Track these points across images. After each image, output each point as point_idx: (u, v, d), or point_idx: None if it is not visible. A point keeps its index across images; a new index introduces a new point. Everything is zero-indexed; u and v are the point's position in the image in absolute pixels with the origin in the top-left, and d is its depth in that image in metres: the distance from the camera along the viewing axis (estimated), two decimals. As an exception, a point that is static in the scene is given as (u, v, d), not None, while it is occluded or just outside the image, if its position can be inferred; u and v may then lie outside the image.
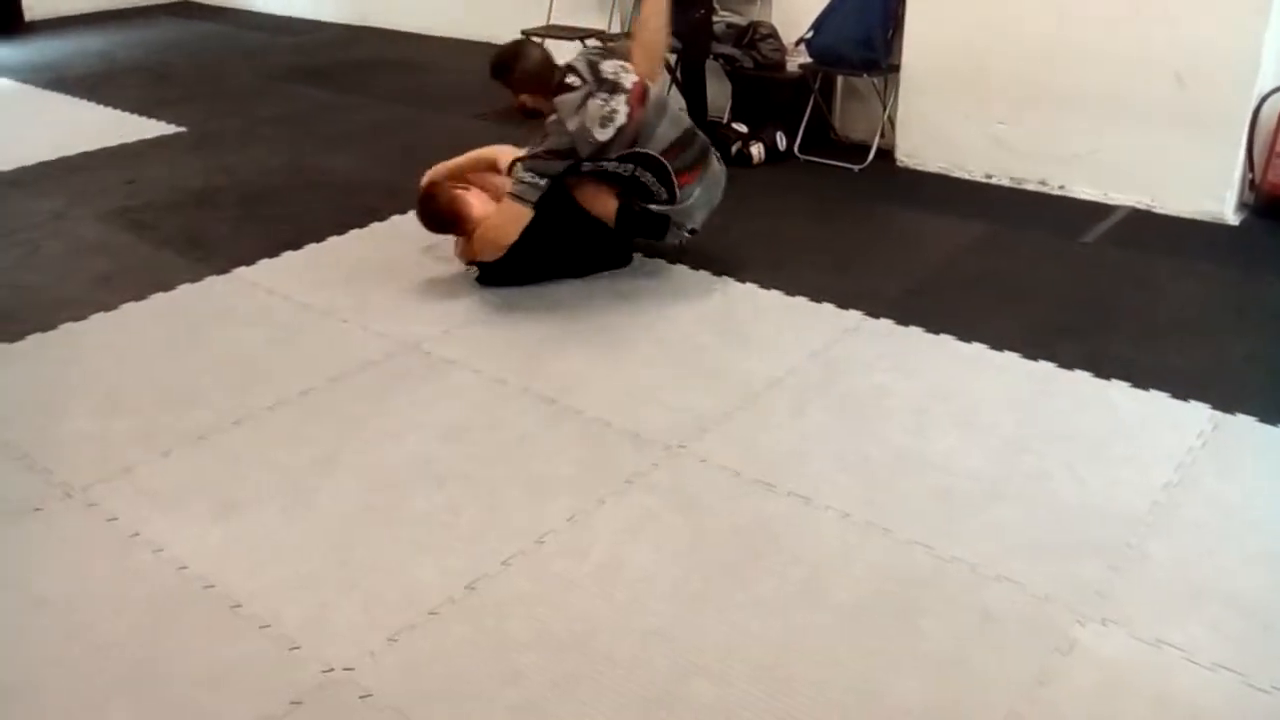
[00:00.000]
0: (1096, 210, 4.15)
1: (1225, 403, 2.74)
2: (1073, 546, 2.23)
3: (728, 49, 5.02)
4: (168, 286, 3.65)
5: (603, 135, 3.24)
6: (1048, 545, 2.24)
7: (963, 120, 4.48)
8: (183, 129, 5.59)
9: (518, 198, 3.31)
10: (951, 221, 4.07)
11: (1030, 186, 4.39)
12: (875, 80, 4.69)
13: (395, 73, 6.81)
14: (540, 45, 3.56)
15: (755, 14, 5.16)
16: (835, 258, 3.72)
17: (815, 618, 2.06)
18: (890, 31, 4.61)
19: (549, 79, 3.39)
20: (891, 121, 4.75)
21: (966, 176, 4.55)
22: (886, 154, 4.77)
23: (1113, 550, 2.21)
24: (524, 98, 3.46)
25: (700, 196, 3.44)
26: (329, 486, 2.53)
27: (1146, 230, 3.95)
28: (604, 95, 3.28)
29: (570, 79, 3.34)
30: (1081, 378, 2.90)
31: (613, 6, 5.69)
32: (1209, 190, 3.96)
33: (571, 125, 3.22)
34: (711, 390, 2.91)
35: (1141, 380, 2.86)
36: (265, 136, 5.45)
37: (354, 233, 4.12)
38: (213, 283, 3.70)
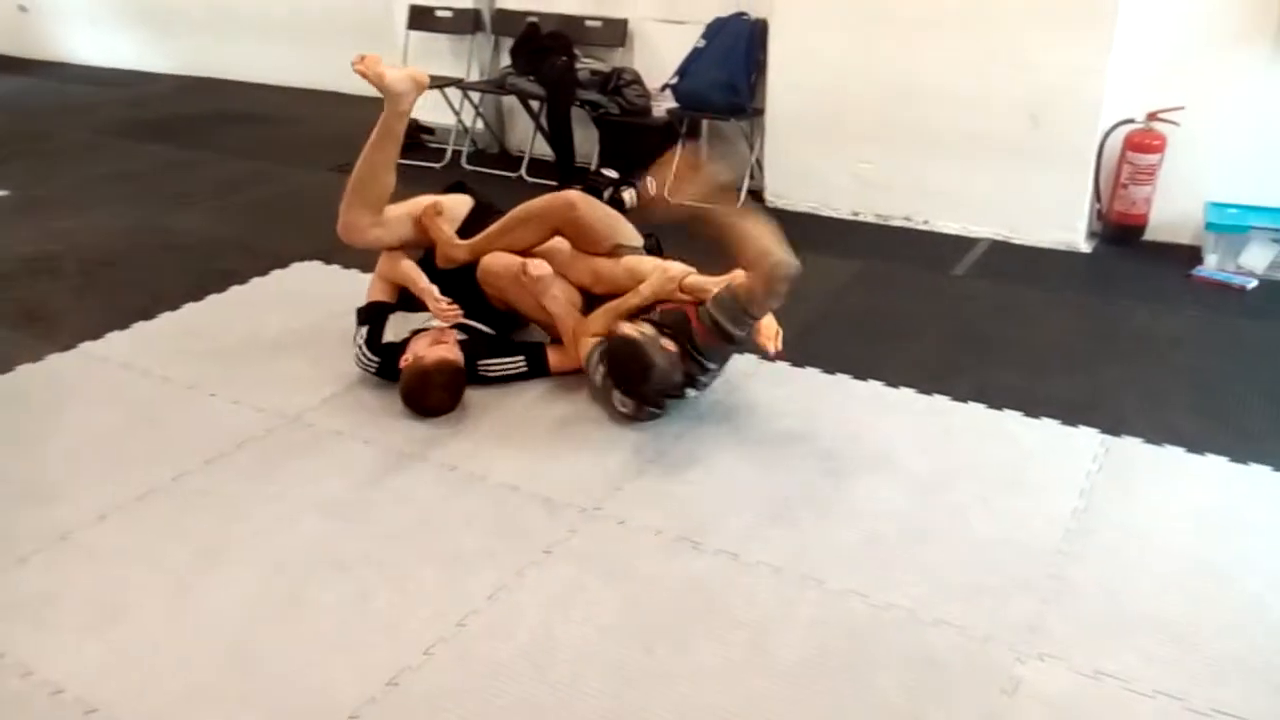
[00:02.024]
0: (960, 243, 4.30)
1: (1111, 426, 2.84)
2: (1001, 583, 2.24)
3: (593, 95, 5.01)
4: (5, 367, 3.31)
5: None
6: (977, 584, 2.25)
7: (828, 161, 4.59)
8: (5, 192, 5.15)
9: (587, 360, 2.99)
10: (828, 260, 4.13)
11: (896, 222, 4.52)
12: (743, 124, 4.75)
13: (241, 125, 6.51)
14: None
15: (617, 60, 5.17)
16: (721, 301, 3.71)
17: (764, 682, 2.00)
18: (753, 76, 4.69)
19: None
20: (759, 164, 4.82)
21: (834, 215, 4.65)
22: (756, 195, 4.83)
23: (1039, 584, 2.24)
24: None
25: None
26: (218, 582, 2.31)
27: (1009, 261, 4.12)
28: None
29: None
30: (977, 410, 2.96)
31: (471, 54, 5.59)
32: (1062, 221, 4.17)
33: None
34: (616, 447, 2.82)
35: (1032, 409, 2.95)
36: (103, 197, 5.08)
37: (212, 298, 3.86)
38: (57, 361, 3.38)
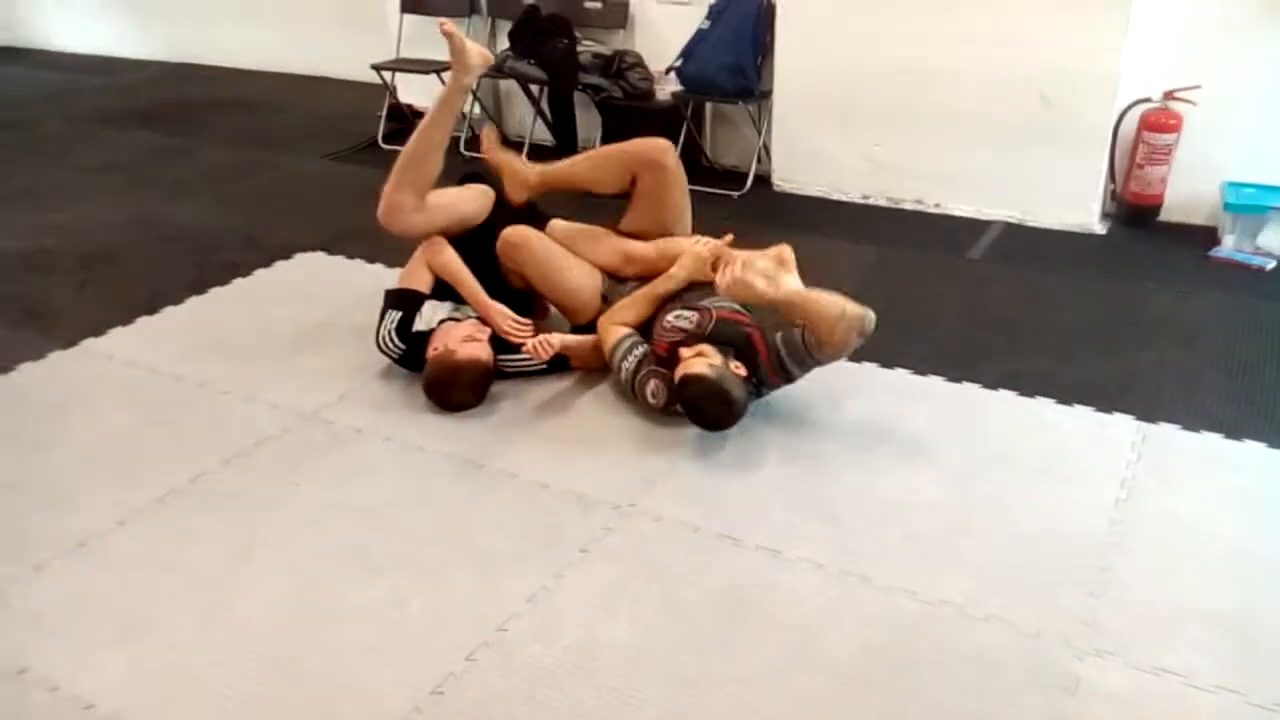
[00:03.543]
0: (974, 226, 4.25)
1: (1146, 413, 2.80)
2: (1048, 576, 2.21)
3: (595, 79, 4.92)
4: (6, 367, 3.22)
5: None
6: (1024, 577, 2.21)
7: (837, 143, 4.53)
8: (-8, 184, 5.03)
9: (614, 351, 2.90)
10: (841, 245, 4.08)
11: (908, 206, 4.47)
12: (750, 107, 4.68)
13: (231, 113, 6.37)
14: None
15: (619, 43, 5.08)
16: (737, 289, 3.64)
17: (814, 682, 1.95)
18: (760, 58, 4.61)
19: None
20: (766, 148, 4.75)
21: (845, 199, 4.59)
22: (763, 179, 4.77)
23: (1087, 576, 2.20)
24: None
25: None
26: (248, 588, 2.25)
27: (1024, 244, 4.08)
28: None
29: None
30: (1007, 397, 2.92)
31: (467, 37, 5.47)
32: (1077, 202, 4.13)
33: None
34: (647, 441, 2.76)
35: (1064, 396, 2.91)
36: (94, 188, 4.96)
37: (216, 291, 3.77)
38: (60, 359, 3.29)
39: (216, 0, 7.36)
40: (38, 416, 2.96)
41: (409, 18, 5.65)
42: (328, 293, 3.72)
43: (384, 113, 5.58)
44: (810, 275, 3.60)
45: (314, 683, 1.98)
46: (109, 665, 2.04)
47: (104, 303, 3.67)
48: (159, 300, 3.67)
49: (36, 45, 8.45)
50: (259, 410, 2.95)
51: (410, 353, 3.01)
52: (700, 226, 3.32)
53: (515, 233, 3.05)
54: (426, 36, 5.62)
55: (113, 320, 3.52)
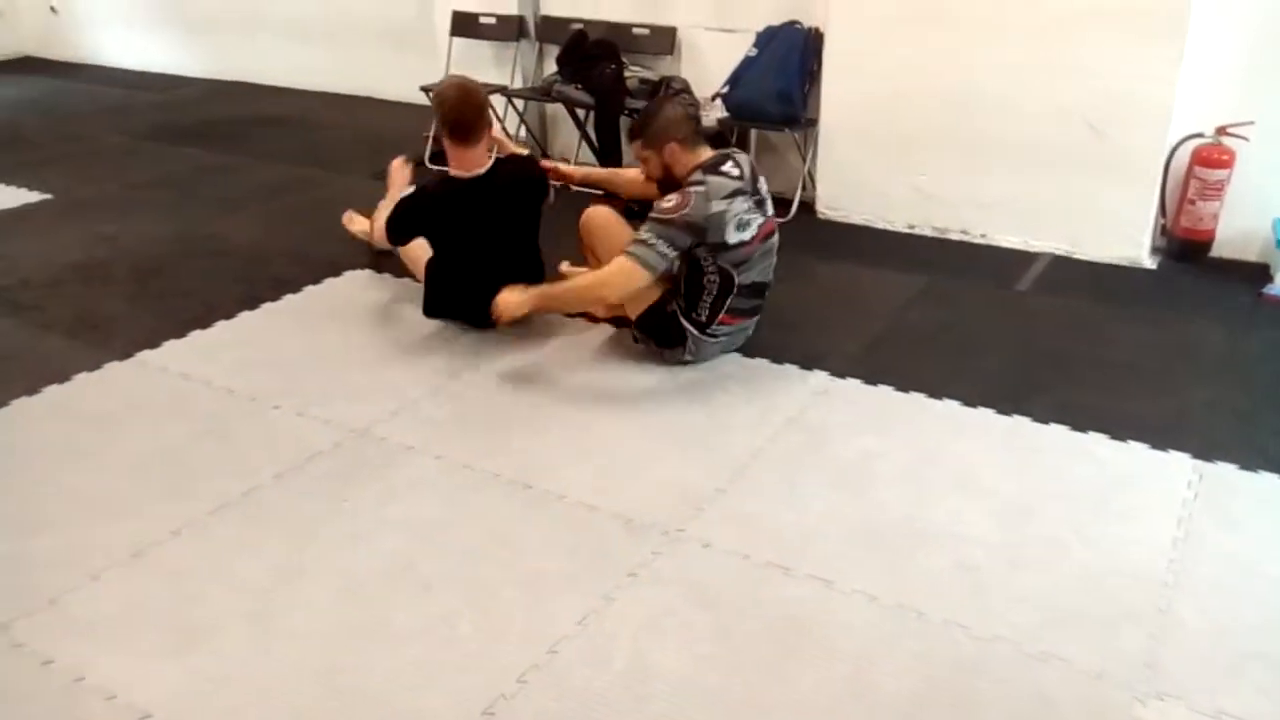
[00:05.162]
0: (1021, 258, 4.23)
1: (1202, 451, 2.76)
2: (1107, 615, 2.17)
3: (642, 104, 4.94)
4: (62, 377, 3.27)
5: (731, 237, 3.04)
6: (1082, 615, 2.18)
7: (883, 172, 4.52)
8: (48, 195, 5.13)
9: (642, 263, 2.98)
10: (887, 274, 4.07)
11: (953, 236, 4.45)
12: (796, 134, 4.69)
13: (277, 130, 6.46)
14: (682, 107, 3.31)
15: (666, 69, 5.12)
16: (783, 315, 3.59)
17: (868, 715, 1.93)
18: (806, 85, 4.63)
19: (687, 141, 3.17)
20: (811, 175, 4.76)
21: (889, 228, 4.58)
22: (808, 207, 4.77)
23: (1146, 616, 2.17)
24: (648, 155, 3.18)
25: (725, 342, 3.30)
26: (299, 602, 2.26)
27: (1072, 276, 4.04)
28: (752, 203, 3.12)
29: (728, 167, 3.10)
30: (1059, 432, 2.89)
31: (515, 61, 5.54)
32: (1126, 236, 4.09)
33: (715, 207, 2.99)
34: (694, 464, 2.76)
35: (1118, 431, 2.87)
36: (145, 202, 5.05)
37: (267, 306, 3.81)
38: (114, 370, 3.34)
39: (267, 20, 7.49)
40: (94, 427, 3.01)
41: (458, 40, 5.72)
42: (376, 310, 3.76)
43: (431, 133, 5.64)
44: (856, 303, 3.62)
45: (366, 699, 1.99)
46: (165, 676, 2.05)
47: (157, 315, 3.73)
48: (212, 314, 3.72)
49: (93, 61, 8.64)
50: (310, 425, 2.98)
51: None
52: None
53: (599, 214, 3.44)
54: (476, 59, 5.69)
55: (166, 333, 3.57)
